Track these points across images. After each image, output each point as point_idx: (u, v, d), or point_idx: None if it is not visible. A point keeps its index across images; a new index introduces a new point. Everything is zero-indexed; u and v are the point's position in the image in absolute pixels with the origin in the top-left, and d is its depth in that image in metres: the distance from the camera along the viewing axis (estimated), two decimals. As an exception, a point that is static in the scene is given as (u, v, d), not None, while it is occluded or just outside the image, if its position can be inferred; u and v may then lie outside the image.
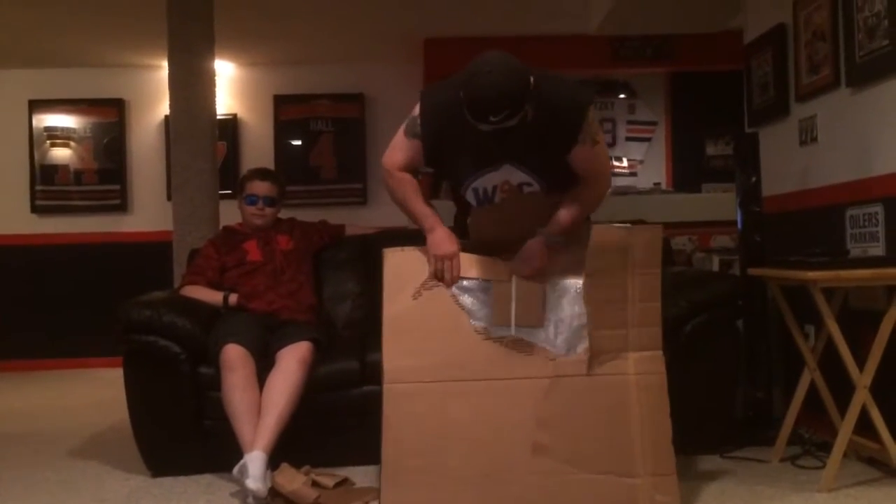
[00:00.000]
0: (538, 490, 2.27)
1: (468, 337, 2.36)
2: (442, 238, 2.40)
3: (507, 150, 2.32)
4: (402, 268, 2.42)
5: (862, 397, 2.52)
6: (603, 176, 2.48)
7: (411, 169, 2.48)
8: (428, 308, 2.39)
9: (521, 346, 2.34)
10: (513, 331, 2.35)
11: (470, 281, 2.39)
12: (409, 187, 2.47)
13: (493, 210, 2.48)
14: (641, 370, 2.32)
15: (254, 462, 2.54)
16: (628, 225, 2.32)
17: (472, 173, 2.43)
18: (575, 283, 2.35)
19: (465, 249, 2.43)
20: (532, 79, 2.16)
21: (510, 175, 2.41)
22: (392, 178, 2.48)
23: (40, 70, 6.07)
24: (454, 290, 2.38)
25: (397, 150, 2.47)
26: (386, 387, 2.37)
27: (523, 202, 2.44)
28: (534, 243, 2.37)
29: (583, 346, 2.32)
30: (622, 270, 2.30)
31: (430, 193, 5.09)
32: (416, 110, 2.41)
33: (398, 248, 2.47)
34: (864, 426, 2.60)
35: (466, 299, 2.37)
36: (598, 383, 2.31)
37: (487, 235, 2.50)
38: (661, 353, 2.33)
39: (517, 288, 2.37)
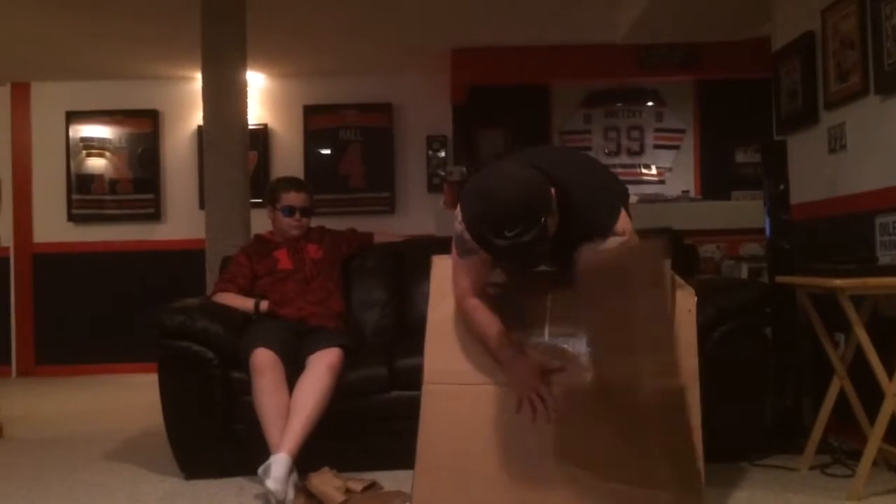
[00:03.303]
0: (565, 497, 2.27)
1: None
2: (517, 372, 2.30)
3: (537, 260, 2.27)
4: (448, 274, 2.47)
5: (891, 405, 2.51)
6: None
7: (480, 287, 2.38)
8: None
9: (556, 354, 2.35)
10: (546, 338, 2.38)
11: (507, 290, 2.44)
12: (478, 324, 2.37)
13: None
14: (656, 391, 2.22)
15: (277, 464, 2.59)
16: (621, 238, 2.21)
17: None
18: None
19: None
20: (555, 189, 2.07)
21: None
22: (463, 311, 2.41)
23: (77, 82, 6.22)
24: (492, 292, 2.41)
25: (458, 276, 2.39)
26: (425, 387, 2.43)
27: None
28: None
29: None
30: (622, 293, 2.13)
31: (457, 203, 5.15)
32: (458, 226, 2.29)
33: (446, 256, 2.51)
34: (895, 434, 2.58)
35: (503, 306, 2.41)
36: (615, 398, 2.27)
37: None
38: (676, 372, 2.25)
39: (552, 302, 2.39)
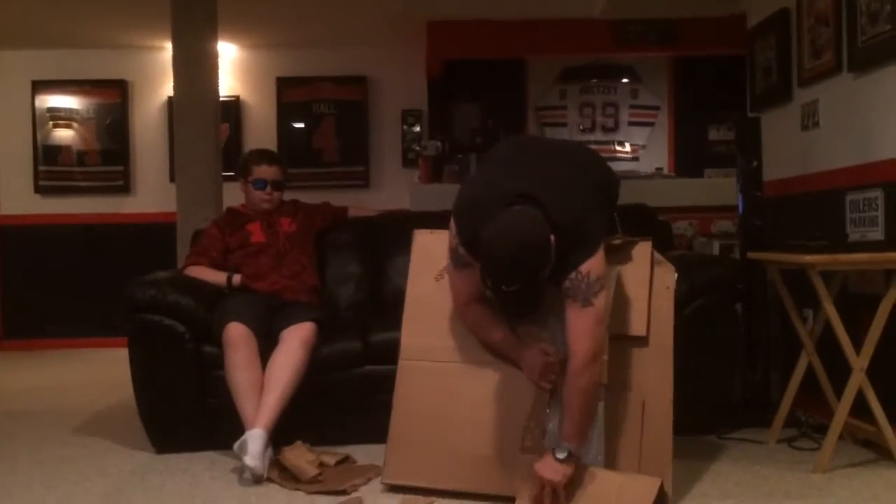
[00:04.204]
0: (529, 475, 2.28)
1: None
2: (530, 364, 2.34)
3: (531, 306, 2.24)
4: (429, 249, 2.45)
5: (858, 380, 2.55)
6: (586, 358, 2.15)
7: (479, 294, 2.32)
8: (448, 291, 2.43)
9: (531, 336, 2.36)
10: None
11: None
12: (483, 330, 2.39)
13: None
14: None
15: (254, 439, 2.58)
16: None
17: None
18: None
19: None
20: (553, 235, 2.07)
21: None
22: (465, 319, 2.42)
23: (43, 51, 6.07)
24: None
25: (456, 289, 2.38)
26: (401, 362, 2.45)
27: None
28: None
29: None
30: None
31: (432, 178, 5.13)
32: (452, 240, 2.31)
33: (427, 231, 2.49)
34: (861, 409, 2.63)
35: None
36: None
37: None
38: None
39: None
